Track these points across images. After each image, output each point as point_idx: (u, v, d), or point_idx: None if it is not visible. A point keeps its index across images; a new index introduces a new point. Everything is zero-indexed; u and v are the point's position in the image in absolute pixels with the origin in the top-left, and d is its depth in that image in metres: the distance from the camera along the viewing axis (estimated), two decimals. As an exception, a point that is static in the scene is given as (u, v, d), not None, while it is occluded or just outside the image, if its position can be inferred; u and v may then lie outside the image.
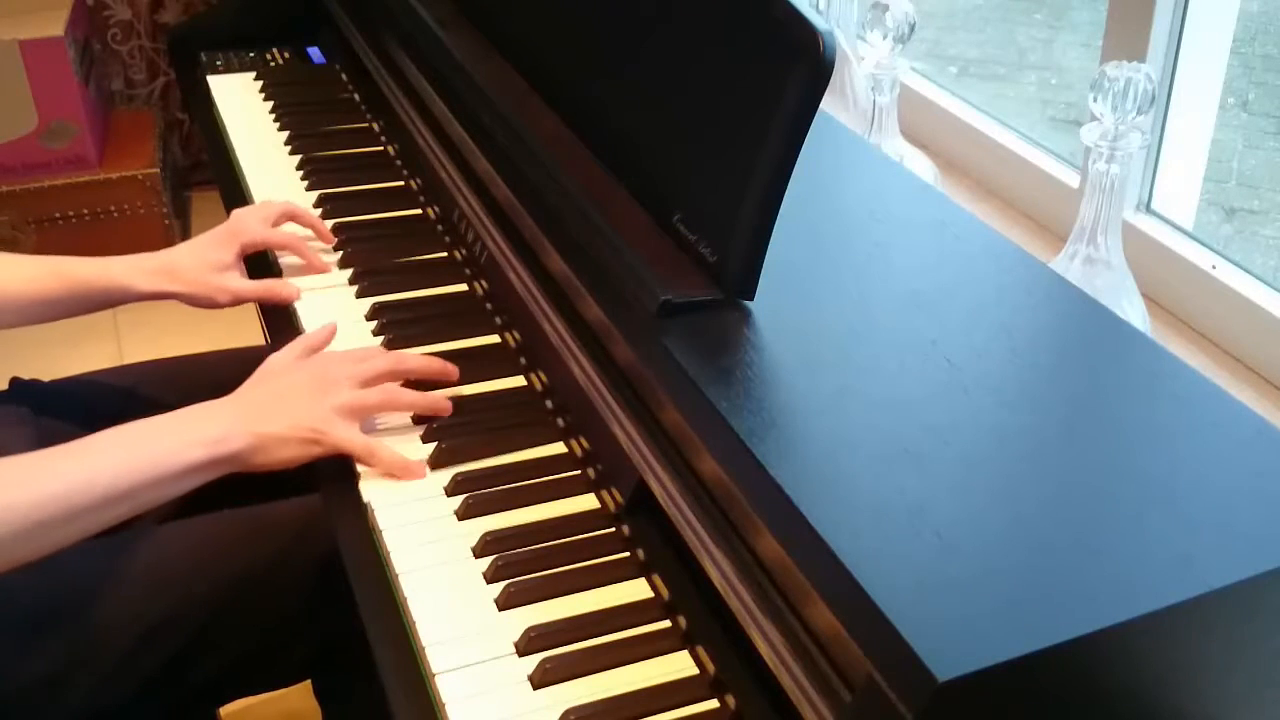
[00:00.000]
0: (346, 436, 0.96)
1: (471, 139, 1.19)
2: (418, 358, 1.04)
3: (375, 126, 1.51)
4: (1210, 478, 0.74)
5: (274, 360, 1.02)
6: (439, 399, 1.01)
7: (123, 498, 0.90)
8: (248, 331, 1.37)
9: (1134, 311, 1.07)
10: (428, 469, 0.97)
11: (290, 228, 1.26)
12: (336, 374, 0.98)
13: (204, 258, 1.19)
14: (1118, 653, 0.64)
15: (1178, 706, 0.69)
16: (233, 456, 0.94)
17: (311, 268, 1.23)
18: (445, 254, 1.26)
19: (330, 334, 1.07)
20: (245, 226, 1.22)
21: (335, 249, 1.26)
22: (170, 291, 1.18)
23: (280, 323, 1.19)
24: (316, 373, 0.99)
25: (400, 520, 0.93)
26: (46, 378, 1.28)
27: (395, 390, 1.00)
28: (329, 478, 0.98)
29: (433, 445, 0.99)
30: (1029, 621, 0.63)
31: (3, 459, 0.88)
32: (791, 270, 0.93)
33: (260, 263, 1.25)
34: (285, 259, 1.25)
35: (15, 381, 1.25)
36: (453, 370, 1.04)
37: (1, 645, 0.99)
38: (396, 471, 0.96)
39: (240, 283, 1.19)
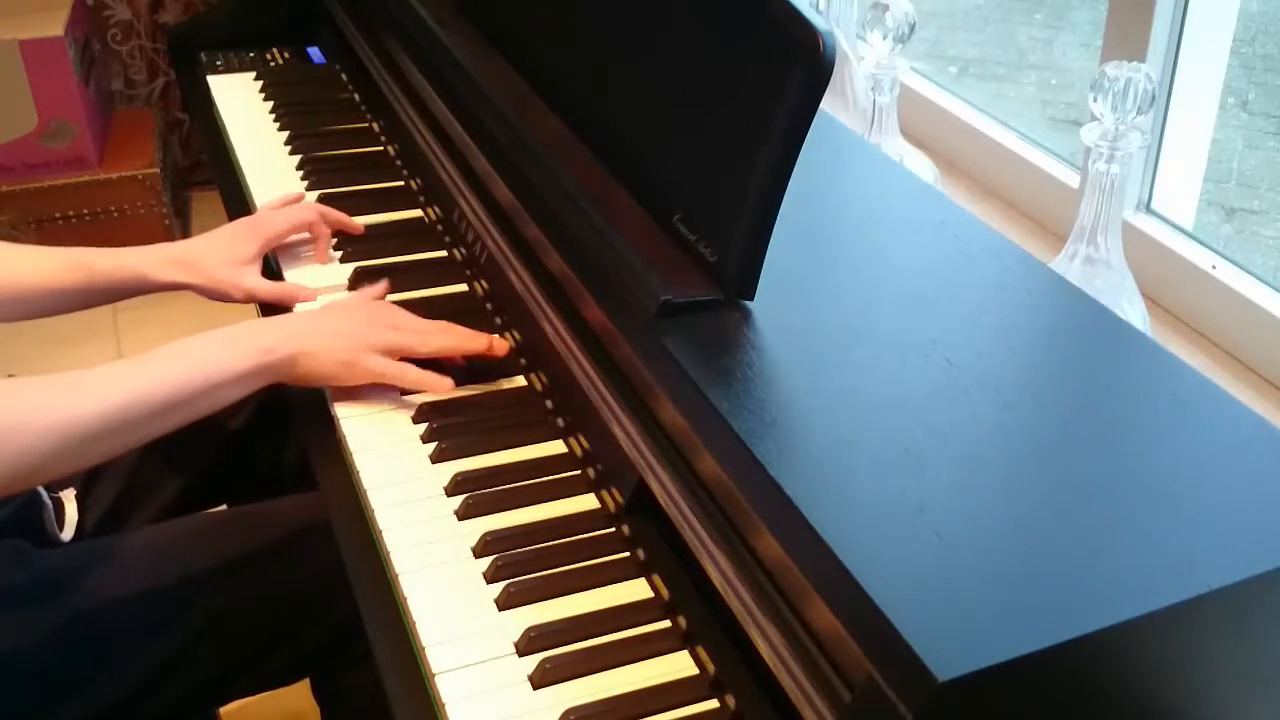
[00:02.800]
0: (380, 366, 1.03)
1: (471, 139, 1.19)
2: (442, 339, 1.06)
3: (375, 126, 1.51)
4: (1210, 478, 0.74)
5: (344, 298, 1.12)
6: (445, 382, 1.05)
7: (182, 404, 0.96)
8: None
9: (1134, 311, 1.07)
10: (451, 385, 1.04)
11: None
12: (388, 319, 1.05)
13: (224, 251, 1.19)
14: (1118, 653, 0.64)
15: (1178, 706, 0.69)
16: (277, 365, 1.00)
17: (318, 256, 1.24)
18: (445, 254, 1.26)
19: (383, 289, 1.15)
20: (267, 219, 1.22)
21: (335, 249, 1.26)
22: (186, 283, 1.18)
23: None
24: (372, 311, 1.06)
25: (400, 520, 0.93)
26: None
27: (430, 334, 1.05)
28: (329, 477, 0.98)
29: (433, 445, 0.99)
30: (1029, 621, 0.63)
31: (71, 373, 0.93)
32: (791, 270, 0.93)
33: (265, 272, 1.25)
34: (287, 269, 1.25)
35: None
36: (500, 347, 1.07)
37: (1, 647, 0.99)
38: (428, 386, 1.04)
39: (257, 281, 1.19)
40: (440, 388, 1.04)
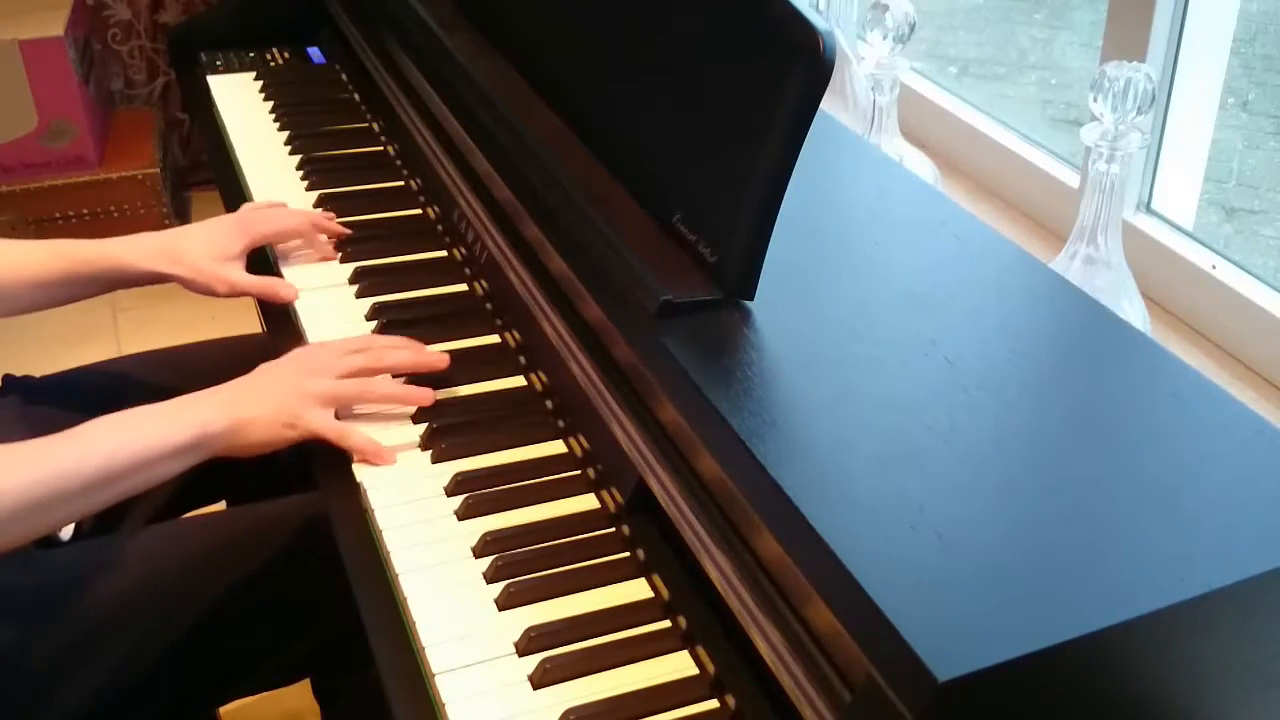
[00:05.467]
0: (321, 423, 0.98)
1: (471, 139, 1.19)
2: (402, 353, 1.04)
3: (375, 126, 1.51)
4: (1210, 478, 0.74)
5: (271, 362, 1.04)
6: (418, 393, 1.02)
7: (114, 479, 0.93)
8: (248, 330, 1.37)
9: (1134, 311, 1.07)
10: (397, 457, 0.99)
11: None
12: (318, 364, 1.01)
13: (210, 244, 1.18)
14: (1118, 653, 0.64)
15: (1178, 706, 0.69)
16: (214, 438, 0.96)
17: (317, 253, 1.24)
18: (445, 254, 1.26)
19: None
20: (256, 217, 1.22)
21: (335, 248, 1.26)
22: (169, 274, 1.17)
23: (279, 319, 1.19)
24: (300, 362, 1.02)
25: (400, 520, 0.93)
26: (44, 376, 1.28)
27: (370, 383, 1.02)
28: (329, 477, 0.98)
29: (433, 445, 0.99)
30: (1029, 621, 0.63)
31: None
32: (791, 270, 0.93)
33: (259, 258, 1.25)
34: (286, 267, 1.25)
35: (8, 379, 1.25)
36: (440, 362, 1.05)
37: (1, 646, 0.99)
38: (369, 455, 0.98)
39: (241, 275, 1.18)
40: (379, 459, 0.98)
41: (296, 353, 1.04)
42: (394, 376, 1.05)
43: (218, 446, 0.97)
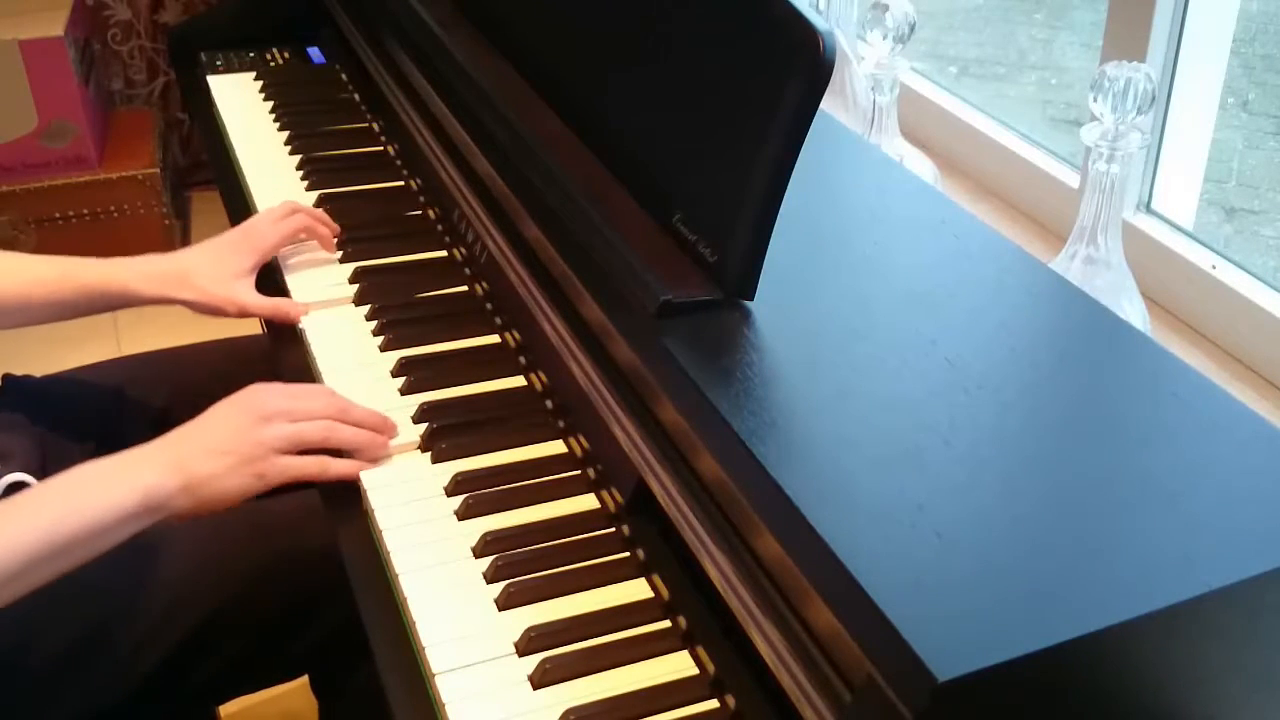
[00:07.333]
0: (293, 466, 0.95)
1: (472, 139, 1.19)
2: (358, 411, 0.99)
3: (375, 126, 1.51)
4: (1210, 478, 0.74)
5: (217, 406, 0.98)
6: (379, 438, 0.98)
7: (56, 555, 0.88)
8: (248, 331, 1.37)
9: (1134, 311, 1.07)
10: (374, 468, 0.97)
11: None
12: (271, 408, 0.96)
13: (217, 264, 1.17)
14: (1118, 653, 0.64)
15: (1178, 706, 0.69)
16: (166, 501, 0.91)
17: (322, 245, 1.24)
18: (445, 254, 1.26)
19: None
20: (260, 232, 1.21)
21: (336, 247, 1.26)
22: (177, 298, 1.17)
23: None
24: (250, 407, 0.96)
25: (400, 520, 0.93)
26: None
27: (336, 426, 0.97)
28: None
29: (433, 445, 0.99)
30: (1029, 621, 0.63)
31: None
32: (791, 270, 0.93)
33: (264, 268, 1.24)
34: (287, 268, 1.25)
35: (8, 378, 1.25)
36: (391, 427, 1.00)
37: (1, 646, 0.99)
38: (350, 473, 0.96)
39: (250, 296, 1.17)
40: (373, 451, 0.97)
41: (241, 395, 0.98)
42: None
43: (177, 507, 0.92)
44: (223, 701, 1.20)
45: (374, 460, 0.98)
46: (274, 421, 0.95)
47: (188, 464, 0.92)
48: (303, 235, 1.25)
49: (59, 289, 1.15)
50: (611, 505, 0.93)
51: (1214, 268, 1.22)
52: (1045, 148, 1.47)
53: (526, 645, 0.82)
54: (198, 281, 1.16)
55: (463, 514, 0.93)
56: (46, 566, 0.88)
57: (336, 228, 1.26)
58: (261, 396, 0.97)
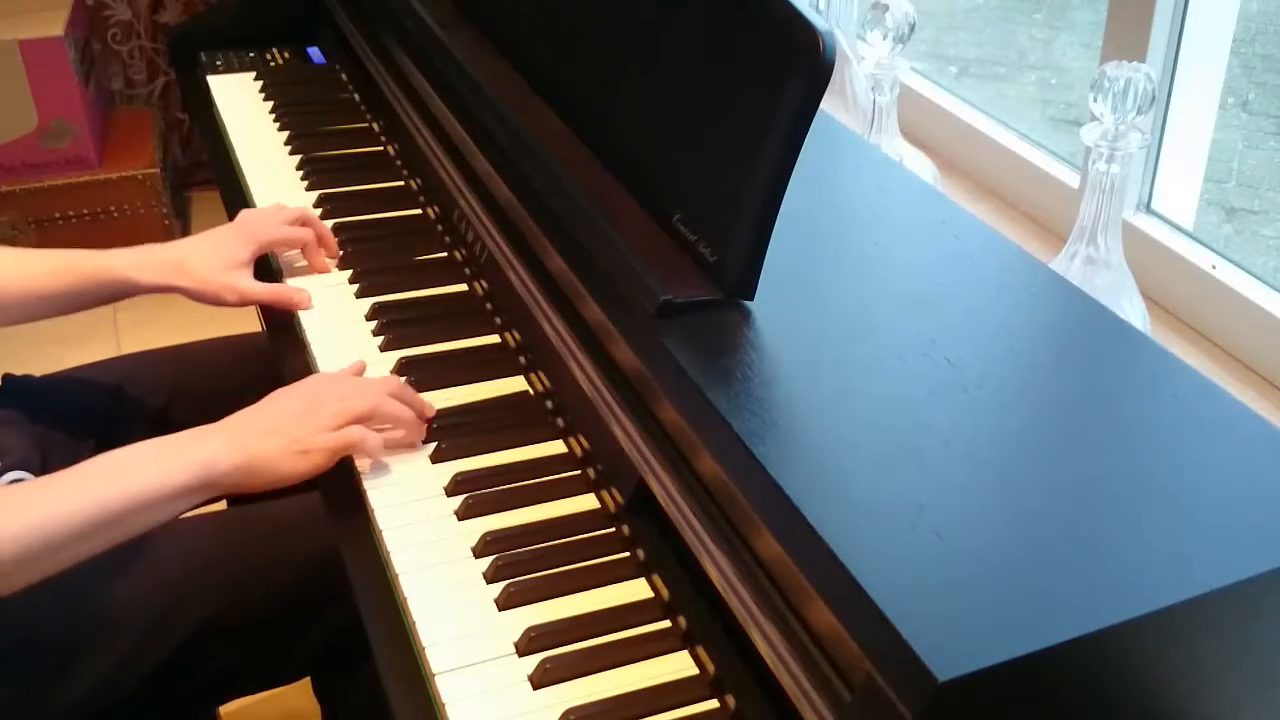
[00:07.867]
0: (335, 437, 0.95)
1: (471, 139, 1.19)
2: (411, 393, 1.01)
3: (375, 126, 1.51)
4: (1210, 478, 0.74)
5: (277, 391, 1.00)
6: (422, 426, 1.00)
7: (110, 524, 0.90)
8: (248, 329, 1.37)
9: (1134, 311, 1.07)
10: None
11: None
12: (327, 395, 0.97)
13: (216, 253, 1.17)
14: (1118, 653, 0.64)
15: (1178, 706, 0.69)
16: (222, 478, 0.93)
17: (313, 267, 1.23)
18: (445, 254, 1.26)
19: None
20: (260, 225, 1.20)
21: (336, 249, 1.26)
22: (176, 286, 1.16)
23: (279, 318, 1.19)
24: (307, 393, 0.98)
25: (400, 520, 0.93)
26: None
27: (385, 399, 0.98)
28: (329, 478, 0.98)
29: (433, 445, 0.99)
30: (1029, 621, 0.63)
31: None
32: (791, 270, 0.93)
33: (262, 264, 1.25)
34: (288, 268, 1.24)
35: (8, 378, 1.25)
36: (430, 409, 1.02)
37: (2, 645, 0.99)
38: (401, 439, 0.98)
39: (250, 283, 1.17)
40: (416, 434, 0.98)
41: (302, 383, 1.00)
42: None
43: (226, 485, 0.93)
44: (223, 702, 1.20)
45: (413, 445, 0.99)
46: (330, 405, 0.96)
47: (247, 442, 0.93)
48: (300, 251, 1.24)
49: (59, 280, 1.14)
50: (611, 505, 0.93)
51: (1214, 268, 1.22)
52: (1045, 148, 1.47)
53: (526, 645, 0.82)
54: (196, 270, 1.16)
55: (463, 514, 0.93)
56: (99, 536, 0.90)
57: (337, 254, 1.25)
58: (322, 383, 1.00)
